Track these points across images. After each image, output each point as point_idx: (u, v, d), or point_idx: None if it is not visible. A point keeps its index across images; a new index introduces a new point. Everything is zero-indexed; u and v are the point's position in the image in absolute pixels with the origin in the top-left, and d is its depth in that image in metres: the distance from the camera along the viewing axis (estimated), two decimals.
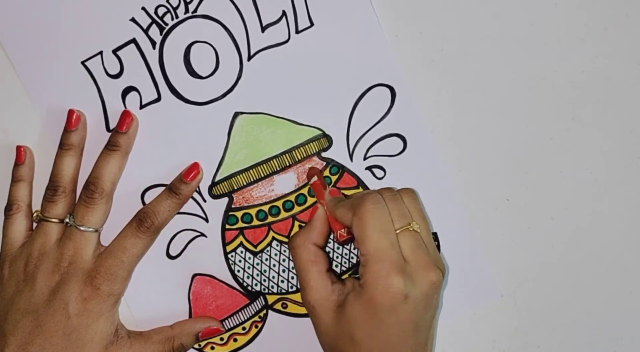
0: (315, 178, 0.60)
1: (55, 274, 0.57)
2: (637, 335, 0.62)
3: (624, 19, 0.60)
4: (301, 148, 0.61)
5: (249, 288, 0.62)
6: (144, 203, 0.61)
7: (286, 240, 0.61)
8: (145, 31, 0.60)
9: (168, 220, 0.60)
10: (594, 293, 0.62)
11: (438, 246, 0.61)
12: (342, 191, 0.61)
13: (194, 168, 0.60)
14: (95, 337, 0.57)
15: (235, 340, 0.62)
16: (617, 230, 0.62)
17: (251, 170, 0.61)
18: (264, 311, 0.62)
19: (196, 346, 0.62)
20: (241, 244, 0.61)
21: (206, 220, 0.61)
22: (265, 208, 0.61)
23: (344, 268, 0.62)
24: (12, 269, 0.58)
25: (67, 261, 0.57)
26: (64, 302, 0.56)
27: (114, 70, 0.60)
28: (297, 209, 0.61)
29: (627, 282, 0.62)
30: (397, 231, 0.54)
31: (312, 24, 0.60)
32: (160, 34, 0.60)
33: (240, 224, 0.61)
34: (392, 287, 0.52)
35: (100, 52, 0.60)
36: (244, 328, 0.62)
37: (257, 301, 0.62)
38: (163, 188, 0.60)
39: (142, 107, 0.60)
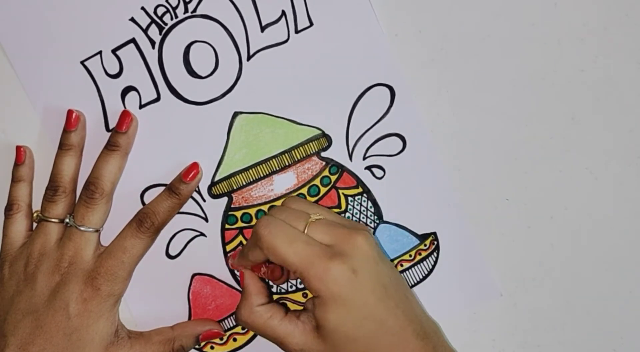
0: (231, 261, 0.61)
1: (55, 275, 0.57)
2: (636, 334, 0.62)
3: (624, 19, 0.60)
4: (300, 148, 0.61)
5: None
6: (143, 203, 0.61)
7: None
8: (145, 31, 0.60)
9: (168, 220, 0.60)
10: (593, 293, 0.62)
11: (437, 246, 0.61)
12: (342, 192, 0.61)
13: (194, 168, 0.60)
14: (95, 338, 0.57)
15: (234, 340, 0.62)
16: (617, 229, 0.62)
17: (251, 170, 0.61)
18: None
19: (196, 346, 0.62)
20: (241, 243, 0.61)
21: (206, 220, 0.61)
22: (265, 208, 0.61)
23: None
24: (12, 269, 0.58)
25: (68, 261, 0.57)
26: (64, 303, 0.56)
27: (114, 70, 0.60)
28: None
29: (627, 282, 0.62)
30: (305, 230, 0.53)
31: (311, 24, 0.60)
32: (160, 33, 0.60)
33: (240, 224, 0.61)
34: (335, 273, 0.51)
35: (100, 52, 0.60)
36: (243, 328, 0.62)
37: None
38: (163, 188, 0.60)
39: (141, 107, 0.60)
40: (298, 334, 0.54)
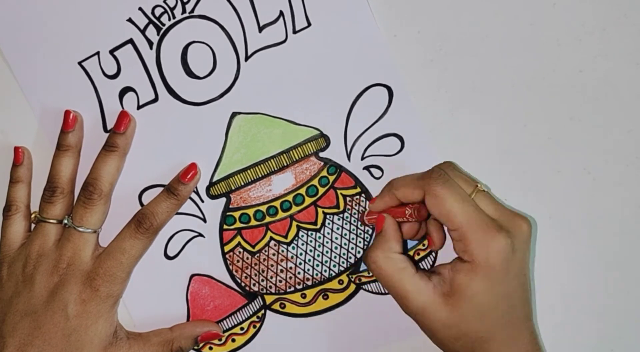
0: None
1: (53, 276, 0.57)
2: (635, 334, 0.62)
3: (623, 19, 0.59)
4: (299, 148, 0.61)
5: (247, 288, 0.62)
6: (141, 204, 0.61)
7: (284, 240, 0.61)
8: (142, 31, 0.59)
9: (167, 221, 0.60)
10: (592, 292, 0.62)
11: None
12: (341, 192, 0.61)
13: (192, 168, 0.60)
14: (94, 339, 0.57)
15: (233, 340, 0.62)
16: (616, 229, 0.62)
17: (249, 171, 0.61)
18: (262, 311, 0.62)
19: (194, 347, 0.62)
20: (239, 244, 0.61)
21: (204, 220, 0.61)
22: (263, 208, 0.61)
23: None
24: (11, 270, 0.58)
25: (66, 262, 0.57)
26: (63, 304, 0.56)
27: (111, 70, 0.60)
28: (294, 209, 0.61)
29: (625, 281, 0.62)
30: (472, 196, 0.54)
31: (309, 24, 0.59)
32: (158, 34, 0.59)
33: (238, 224, 0.61)
34: (500, 245, 0.52)
35: (98, 53, 0.60)
36: (242, 328, 0.62)
37: (255, 301, 0.62)
38: (161, 188, 0.60)
39: (139, 107, 0.60)
40: (426, 294, 0.54)
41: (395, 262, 0.55)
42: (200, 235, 0.62)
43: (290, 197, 0.61)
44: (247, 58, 0.60)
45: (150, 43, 0.60)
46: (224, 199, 0.61)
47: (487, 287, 0.52)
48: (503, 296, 0.53)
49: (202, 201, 0.61)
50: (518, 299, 0.54)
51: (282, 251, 0.62)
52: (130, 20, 0.59)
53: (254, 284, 0.62)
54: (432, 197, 0.53)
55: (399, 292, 0.54)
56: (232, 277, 0.62)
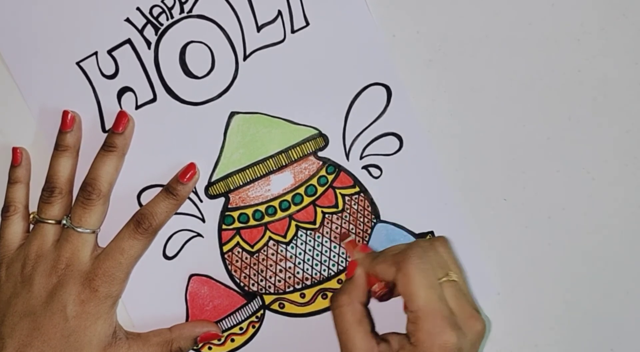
0: (350, 237, 0.60)
1: (52, 276, 0.57)
2: (634, 334, 0.62)
3: (621, 19, 0.59)
4: (297, 148, 0.61)
5: (246, 288, 0.62)
6: (140, 204, 0.61)
7: (283, 240, 0.61)
8: (141, 31, 0.59)
9: (166, 221, 0.60)
10: (591, 292, 0.62)
11: None
12: (339, 191, 0.61)
13: (191, 168, 0.59)
14: (93, 340, 0.57)
15: (232, 340, 0.62)
16: (614, 229, 0.62)
17: (247, 170, 0.61)
18: (261, 311, 0.62)
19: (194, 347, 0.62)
20: (238, 244, 0.61)
21: (203, 220, 0.61)
22: (262, 208, 0.61)
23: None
24: (9, 271, 0.58)
25: (65, 263, 0.57)
26: (62, 305, 0.56)
27: (109, 70, 0.60)
28: (293, 208, 0.61)
29: (624, 281, 0.62)
30: (440, 281, 0.53)
31: (307, 24, 0.59)
32: (156, 34, 0.59)
33: (237, 224, 0.61)
34: (447, 343, 0.51)
35: (96, 53, 0.60)
36: (241, 328, 0.62)
37: (254, 301, 0.62)
38: (159, 188, 0.60)
39: (137, 107, 0.60)
40: None
41: (356, 312, 0.55)
42: (199, 235, 0.62)
43: (289, 197, 0.61)
44: (245, 58, 0.60)
45: (149, 43, 0.59)
46: (222, 199, 0.61)
47: None
48: None
49: (201, 201, 0.61)
50: None
51: (281, 251, 0.62)
52: (128, 20, 0.59)
53: (253, 284, 0.62)
54: (402, 275, 0.53)
55: (346, 344, 0.54)
56: (231, 277, 0.62)
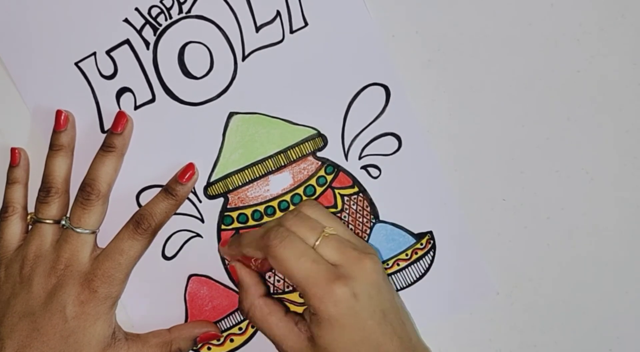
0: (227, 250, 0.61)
1: (51, 277, 0.57)
2: (633, 334, 0.63)
3: (620, 20, 0.59)
4: (296, 148, 0.61)
5: None
6: (139, 204, 0.61)
7: None
8: (139, 32, 0.59)
9: (165, 221, 0.60)
10: (590, 292, 0.62)
11: (434, 245, 0.62)
12: (338, 191, 0.61)
13: (189, 168, 0.59)
14: (92, 340, 0.57)
15: (231, 340, 0.62)
16: (613, 229, 0.62)
17: (246, 171, 0.61)
18: None
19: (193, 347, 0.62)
20: None
21: (202, 220, 0.61)
22: (261, 208, 0.61)
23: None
24: (8, 272, 0.58)
25: (64, 264, 0.57)
26: (61, 305, 0.56)
27: (108, 71, 0.60)
28: (292, 209, 0.61)
29: (623, 282, 0.62)
30: (316, 243, 0.54)
31: (306, 24, 0.59)
32: (154, 34, 0.59)
33: (236, 224, 0.61)
34: (337, 295, 0.52)
35: (94, 53, 0.60)
36: (240, 328, 0.62)
37: None
38: (158, 189, 0.60)
39: (136, 107, 0.60)
40: (292, 339, 0.54)
41: (261, 308, 0.56)
42: (198, 235, 0.62)
43: (288, 197, 0.61)
44: (244, 58, 0.60)
45: (147, 43, 0.59)
46: (221, 199, 0.61)
47: (338, 337, 0.52)
48: (359, 341, 0.52)
49: (200, 201, 0.61)
50: (381, 337, 0.53)
51: None
52: (126, 20, 0.59)
53: None
54: (271, 259, 0.53)
55: (271, 338, 0.56)
56: (230, 277, 0.62)
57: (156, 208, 0.59)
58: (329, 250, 0.54)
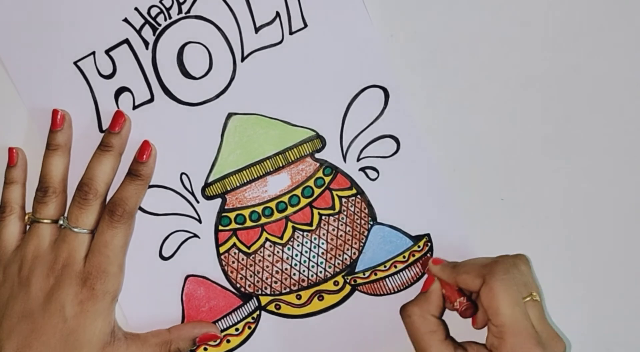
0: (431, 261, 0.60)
1: (50, 277, 0.57)
2: (632, 334, 0.62)
3: (618, 19, 0.59)
4: (294, 149, 0.61)
5: (242, 289, 0.62)
6: None
7: (280, 241, 0.61)
8: (138, 32, 0.59)
9: (138, 204, 0.60)
10: (589, 292, 0.62)
11: (431, 247, 0.62)
12: (336, 193, 0.61)
13: (146, 147, 0.59)
14: (93, 338, 0.56)
15: (228, 341, 0.62)
16: (613, 229, 0.62)
17: (244, 171, 0.61)
18: (257, 312, 0.62)
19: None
20: (234, 245, 0.61)
21: (199, 221, 0.61)
22: (259, 209, 0.61)
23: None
24: (7, 273, 0.58)
25: (62, 264, 0.57)
26: (60, 305, 0.56)
27: (107, 70, 0.60)
28: (290, 210, 0.61)
29: (623, 281, 0.62)
30: (525, 300, 0.54)
31: (305, 25, 0.59)
32: (153, 34, 0.59)
33: (234, 225, 0.61)
34: None
35: (93, 53, 0.60)
36: (237, 329, 0.62)
37: (250, 302, 0.62)
38: (156, 189, 0.60)
39: (135, 107, 0.60)
40: None
41: (429, 324, 0.56)
42: (196, 236, 0.61)
43: (285, 198, 0.61)
44: (243, 59, 0.60)
45: (146, 43, 0.59)
46: (219, 200, 0.61)
47: None
48: None
49: (198, 202, 0.61)
50: None
51: (278, 252, 0.61)
52: (126, 20, 0.59)
53: (249, 285, 0.62)
54: (488, 289, 0.53)
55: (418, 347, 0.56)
56: (227, 278, 0.62)
57: (125, 192, 0.59)
58: (532, 313, 0.54)
